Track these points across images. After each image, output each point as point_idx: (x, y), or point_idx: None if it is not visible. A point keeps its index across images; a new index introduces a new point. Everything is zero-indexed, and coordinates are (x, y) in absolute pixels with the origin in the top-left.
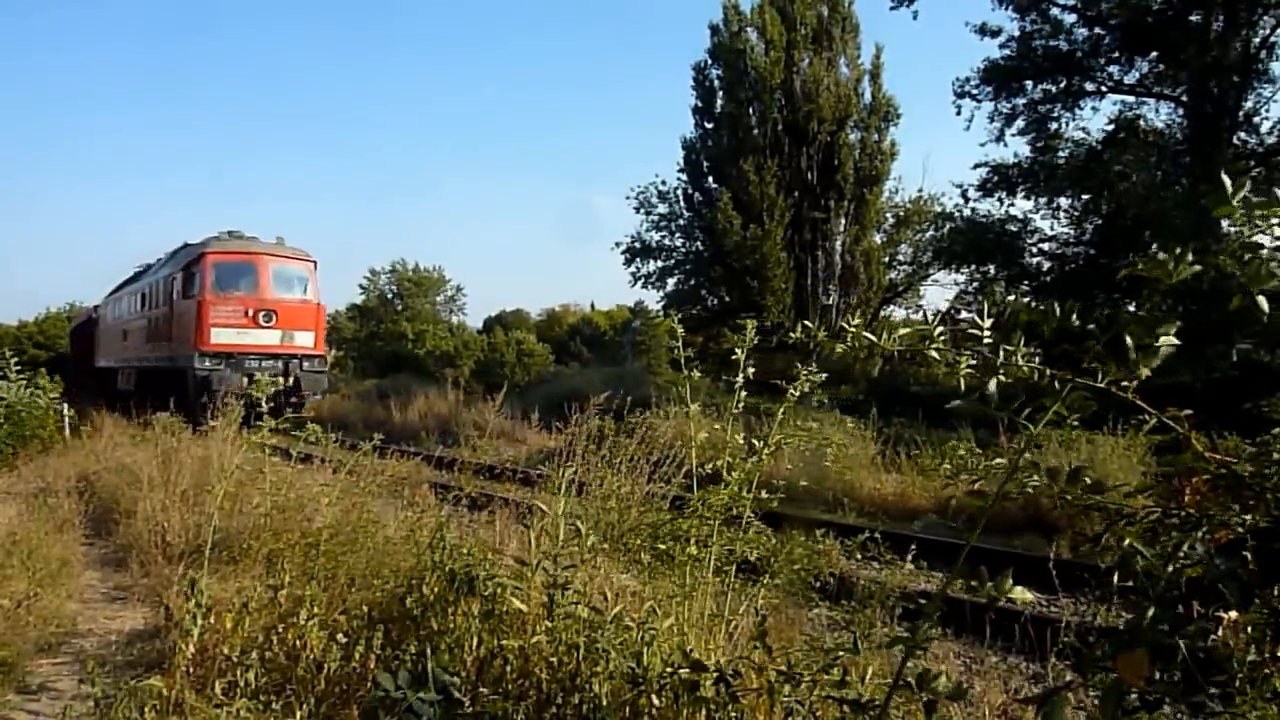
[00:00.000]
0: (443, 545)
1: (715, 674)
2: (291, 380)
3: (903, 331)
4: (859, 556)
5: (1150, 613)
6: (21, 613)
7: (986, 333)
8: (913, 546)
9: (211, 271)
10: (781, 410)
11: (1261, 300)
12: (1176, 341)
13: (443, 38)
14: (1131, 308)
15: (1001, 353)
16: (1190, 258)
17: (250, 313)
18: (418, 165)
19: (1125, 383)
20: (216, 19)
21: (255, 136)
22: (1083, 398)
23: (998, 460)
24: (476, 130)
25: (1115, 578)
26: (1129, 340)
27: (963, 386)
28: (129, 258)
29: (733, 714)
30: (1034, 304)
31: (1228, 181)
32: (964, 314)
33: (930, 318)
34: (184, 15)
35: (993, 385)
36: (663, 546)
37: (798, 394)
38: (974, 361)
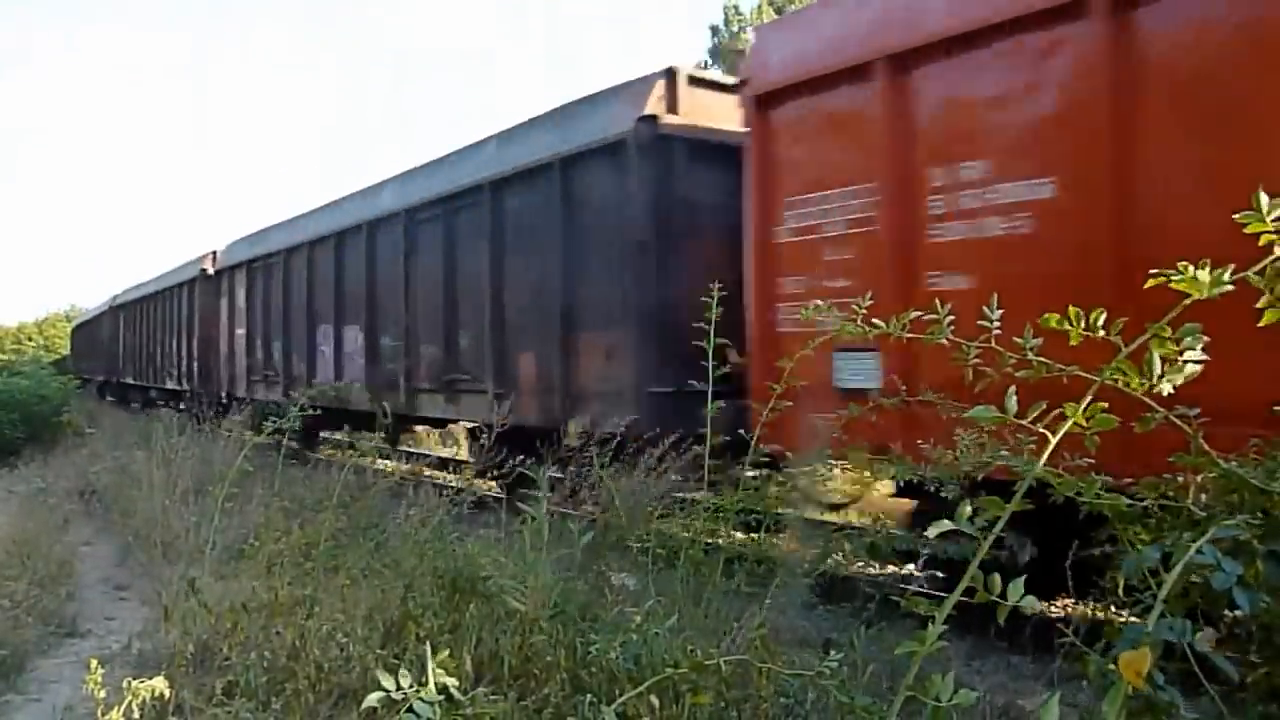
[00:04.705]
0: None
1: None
2: None
3: (914, 314)
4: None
5: (1156, 614)
6: (21, 613)
7: (995, 320)
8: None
9: None
10: None
11: None
12: (1204, 357)
13: None
14: None
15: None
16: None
17: None
18: None
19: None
20: None
21: None
22: (1102, 410)
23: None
24: None
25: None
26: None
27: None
28: None
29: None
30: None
31: (1264, 198)
32: None
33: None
34: None
35: (1012, 393)
36: (662, 551)
37: None
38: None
